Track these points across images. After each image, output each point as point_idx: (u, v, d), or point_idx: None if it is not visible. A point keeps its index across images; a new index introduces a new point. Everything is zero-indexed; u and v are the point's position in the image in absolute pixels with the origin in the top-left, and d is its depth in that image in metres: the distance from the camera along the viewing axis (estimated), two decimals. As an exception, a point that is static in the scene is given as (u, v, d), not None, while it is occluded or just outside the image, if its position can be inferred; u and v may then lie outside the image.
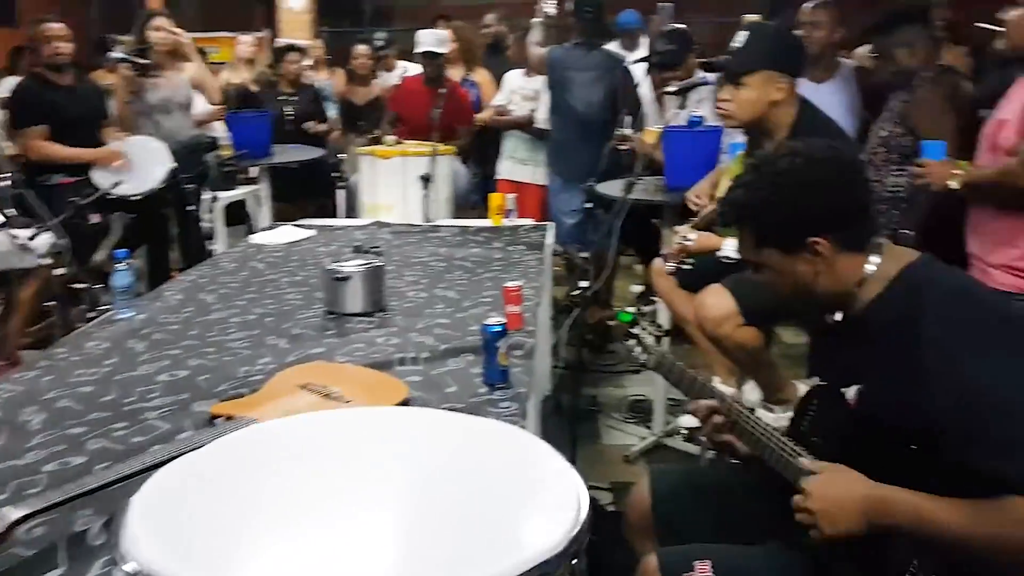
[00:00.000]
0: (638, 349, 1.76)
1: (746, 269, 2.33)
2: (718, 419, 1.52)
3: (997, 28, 2.87)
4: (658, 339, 1.72)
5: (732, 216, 1.38)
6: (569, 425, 2.64)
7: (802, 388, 2.43)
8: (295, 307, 2.46)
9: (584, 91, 4.14)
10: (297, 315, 2.39)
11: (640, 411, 3.52)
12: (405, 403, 1.73)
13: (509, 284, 2.27)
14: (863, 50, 4.06)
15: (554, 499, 1.03)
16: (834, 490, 1.23)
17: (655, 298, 3.56)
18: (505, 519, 1.02)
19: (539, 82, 4.58)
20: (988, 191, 2.19)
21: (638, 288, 3.75)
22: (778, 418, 2.32)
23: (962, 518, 1.11)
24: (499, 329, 1.87)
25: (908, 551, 1.24)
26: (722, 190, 2.48)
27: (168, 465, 1.19)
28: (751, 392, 2.49)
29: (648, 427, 3.35)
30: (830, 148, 1.37)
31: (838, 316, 1.37)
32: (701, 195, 2.71)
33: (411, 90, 4.81)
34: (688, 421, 2.60)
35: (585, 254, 2.35)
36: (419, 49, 4.58)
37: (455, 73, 5.13)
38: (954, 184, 2.16)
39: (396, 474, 1.14)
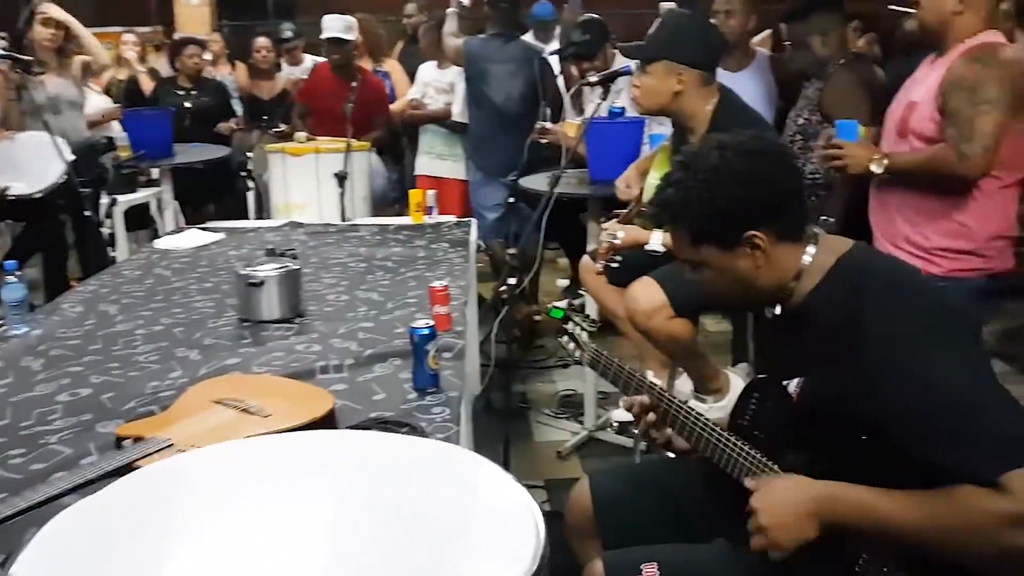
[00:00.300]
0: (571, 345, 1.71)
1: (673, 260, 2.35)
2: (651, 416, 1.48)
3: (908, 10, 2.93)
4: (591, 334, 1.67)
5: (666, 216, 1.34)
6: (502, 425, 2.58)
7: (733, 377, 2.46)
8: (206, 316, 2.33)
9: (503, 83, 4.06)
10: (208, 324, 2.25)
11: (570, 406, 3.49)
12: (331, 414, 1.64)
13: (435, 284, 2.19)
14: (763, 35, 4.13)
15: (506, 541, 0.95)
16: (781, 501, 1.21)
17: (582, 292, 3.54)
18: (448, 565, 0.93)
19: (454, 74, 4.48)
20: (912, 175, 2.18)
21: (564, 282, 3.74)
22: (710, 408, 2.32)
23: (911, 510, 1.10)
24: (427, 332, 1.79)
25: (859, 540, 1.22)
26: (652, 183, 2.46)
27: (65, 511, 1.07)
28: (684, 384, 2.48)
29: (579, 422, 3.32)
30: (757, 139, 1.34)
31: (777, 309, 1.34)
32: (630, 183, 2.68)
33: (321, 79, 4.62)
34: (620, 415, 2.57)
35: (512, 250, 2.29)
36: (325, 35, 4.42)
37: (364, 64, 4.99)
38: (876, 168, 2.14)
39: (322, 518, 1.05)
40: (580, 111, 3.95)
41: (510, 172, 3.46)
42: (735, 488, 1.41)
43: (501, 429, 2.60)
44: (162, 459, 1.31)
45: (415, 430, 1.61)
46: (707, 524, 1.48)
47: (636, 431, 1.54)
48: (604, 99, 2.43)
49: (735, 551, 1.36)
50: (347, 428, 1.61)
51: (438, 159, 4.62)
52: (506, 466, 2.47)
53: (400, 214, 4.66)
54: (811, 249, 1.31)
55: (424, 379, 1.81)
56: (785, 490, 1.21)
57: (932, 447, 1.09)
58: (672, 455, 1.59)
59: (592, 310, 3.09)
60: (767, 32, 4.25)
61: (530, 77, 3.95)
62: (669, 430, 1.49)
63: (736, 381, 2.41)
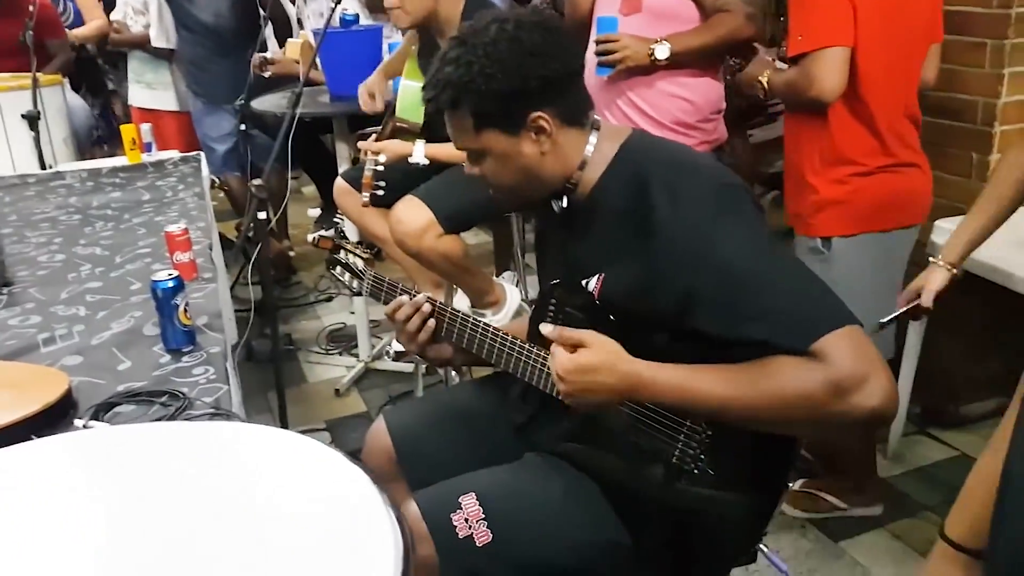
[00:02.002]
0: (346, 276, 1.55)
1: (436, 173, 2.24)
2: (426, 310, 1.39)
3: None
4: (368, 262, 1.52)
5: (446, 98, 1.20)
6: (273, 370, 2.37)
7: (508, 287, 2.43)
8: None
9: (208, 0, 3.63)
10: None
11: (341, 340, 3.33)
12: (67, 396, 1.37)
13: (171, 228, 1.91)
14: None
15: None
16: (593, 375, 1.11)
17: (337, 219, 3.34)
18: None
19: None
20: (699, 53, 2.09)
21: (315, 212, 3.50)
22: (490, 321, 2.27)
23: (728, 385, 1.08)
24: (173, 283, 1.55)
25: (664, 436, 1.22)
26: (407, 94, 2.29)
27: None
28: (460, 301, 2.41)
29: (353, 355, 3.18)
30: (536, 13, 1.24)
31: (564, 202, 1.27)
32: (373, 91, 2.50)
33: None
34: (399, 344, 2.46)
35: (257, 181, 2.04)
36: None
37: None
38: (661, 53, 2.04)
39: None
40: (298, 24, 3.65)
41: (235, 97, 3.13)
42: (538, 398, 1.37)
43: (270, 376, 2.40)
44: None
45: (177, 398, 1.39)
46: (512, 442, 1.43)
47: (400, 337, 1.42)
48: (339, 1, 2.20)
49: (547, 462, 1.32)
50: (92, 407, 1.36)
51: (148, 88, 4.10)
52: (283, 414, 2.29)
53: (112, 154, 4.12)
54: (593, 137, 1.25)
55: (177, 338, 1.57)
56: (598, 368, 1.11)
57: (740, 326, 1.08)
58: (439, 368, 1.50)
59: (352, 236, 2.92)
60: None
61: None
62: (428, 330, 1.40)
63: (511, 290, 2.38)
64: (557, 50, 1.19)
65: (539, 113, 1.19)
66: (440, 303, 1.41)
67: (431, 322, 1.39)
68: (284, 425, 2.29)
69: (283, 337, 3.33)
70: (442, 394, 1.68)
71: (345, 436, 2.66)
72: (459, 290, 2.40)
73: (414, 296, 1.42)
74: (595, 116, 1.28)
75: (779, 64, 1.99)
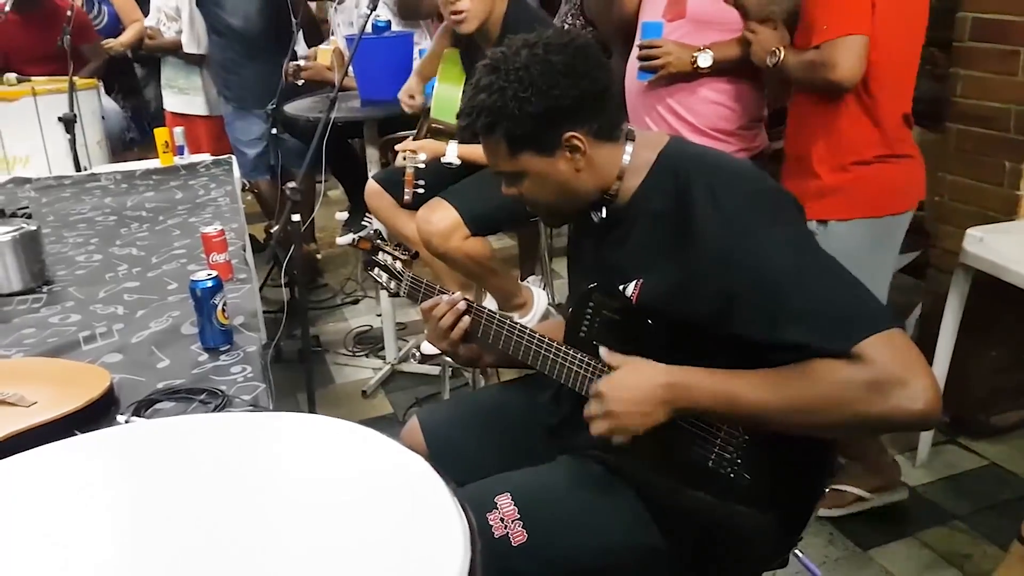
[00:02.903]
0: (384, 277, 1.57)
1: (467, 175, 2.26)
2: (460, 308, 1.42)
3: None
4: (406, 263, 1.54)
5: (482, 124, 1.22)
6: (298, 373, 2.40)
7: (536, 290, 2.44)
8: (-75, 296, 1.92)
9: (238, 4, 3.64)
10: (-70, 306, 1.86)
11: (367, 342, 3.35)
12: (109, 392, 1.40)
13: (207, 230, 1.94)
14: None
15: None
16: (632, 387, 1.16)
17: (366, 222, 3.36)
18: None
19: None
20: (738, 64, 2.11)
21: (343, 215, 3.52)
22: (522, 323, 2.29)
23: (768, 389, 1.09)
24: (212, 284, 1.58)
25: (685, 441, 1.23)
26: (442, 95, 2.31)
27: None
28: (489, 304, 2.42)
29: (380, 357, 3.20)
30: (564, 34, 1.26)
31: (603, 213, 1.29)
32: (413, 92, 2.53)
33: (7, 26, 3.92)
34: (427, 345, 2.47)
35: (292, 184, 2.07)
36: None
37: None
38: (704, 61, 2.06)
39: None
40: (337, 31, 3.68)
41: (265, 102, 3.17)
42: (571, 401, 1.38)
43: (298, 378, 2.42)
44: None
45: (216, 396, 1.42)
46: (545, 444, 1.44)
47: (432, 335, 1.45)
48: (374, 9, 2.23)
49: (581, 464, 1.33)
50: (133, 404, 1.39)
51: (180, 94, 4.15)
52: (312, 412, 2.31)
53: (142, 157, 4.18)
54: (629, 148, 1.26)
55: (215, 337, 1.60)
56: (635, 375, 1.16)
57: (780, 328, 1.08)
58: (470, 371, 1.52)
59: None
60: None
61: None
62: (460, 329, 1.42)
63: (539, 293, 2.39)
64: (587, 69, 1.21)
65: (572, 132, 1.21)
66: (476, 304, 1.43)
67: (465, 319, 1.41)
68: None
69: (310, 339, 3.36)
70: (474, 395, 1.70)
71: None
72: (487, 293, 2.41)
73: (451, 295, 1.44)
74: (629, 127, 1.29)
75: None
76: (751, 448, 1.19)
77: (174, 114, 4.14)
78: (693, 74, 2.11)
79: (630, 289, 1.25)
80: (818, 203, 1.97)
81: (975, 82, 2.16)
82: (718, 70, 2.11)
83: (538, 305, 2.36)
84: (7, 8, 3.61)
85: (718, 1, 2.09)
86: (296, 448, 1.03)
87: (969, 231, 2.12)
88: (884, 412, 1.03)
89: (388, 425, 2.75)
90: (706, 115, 2.15)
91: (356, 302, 3.76)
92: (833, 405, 1.05)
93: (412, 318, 3.53)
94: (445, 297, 1.43)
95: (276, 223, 3.77)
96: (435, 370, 2.99)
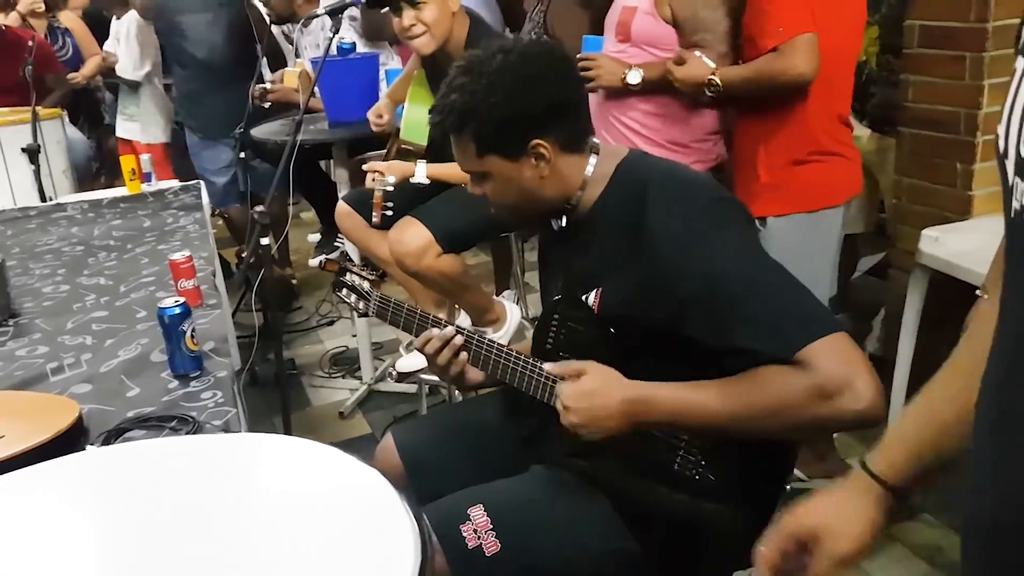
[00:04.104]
0: (352, 298, 1.58)
1: (436, 193, 2.27)
2: (452, 348, 1.41)
3: None
4: (373, 283, 1.55)
5: (451, 123, 1.25)
6: (273, 396, 2.40)
7: (508, 304, 2.46)
8: None
9: (202, 35, 3.63)
10: None
11: (344, 363, 3.35)
12: (78, 423, 1.39)
13: (175, 256, 1.94)
14: None
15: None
16: (592, 399, 1.18)
17: (338, 243, 3.37)
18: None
19: (126, 22, 3.99)
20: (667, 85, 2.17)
21: (315, 237, 3.53)
22: (495, 338, 2.30)
23: (722, 398, 1.12)
24: (180, 310, 1.58)
25: (651, 445, 1.25)
26: (411, 118, 2.33)
27: None
28: (463, 320, 2.44)
29: (356, 377, 3.20)
30: (542, 44, 1.29)
31: (563, 221, 1.32)
32: (383, 112, 2.55)
33: None
34: (404, 363, 2.48)
35: (260, 208, 2.08)
36: None
37: (38, 24, 4.30)
38: (633, 79, 2.14)
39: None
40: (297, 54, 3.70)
41: (231, 131, 3.18)
42: (543, 411, 1.39)
43: (275, 401, 2.42)
44: None
45: (187, 422, 1.42)
46: (518, 455, 1.46)
47: (433, 368, 1.45)
48: (336, 32, 2.25)
49: (554, 473, 1.35)
50: (103, 433, 1.38)
51: (130, 120, 4.13)
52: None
53: (109, 186, 4.15)
54: (593, 159, 1.29)
55: (185, 363, 1.60)
56: (596, 391, 1.18)
57: (729, 334, 1.12)
58: (460, 392, 1.53)
59: (355, 259, 2.96)
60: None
61: (232, 21, 3.58)
62: (463, 358, 1.42)
63: (512, 308, 2.41)
64: (559, 79, 1.24)
65: (539, 140, 1.23)
66: (465, 329, 1.43)
67: (463, 355, 1.41)
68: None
69: (286, 361, 3.35)
70: (448, 410, 1.71)
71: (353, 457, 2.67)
72: (460, 309, 2.42)
73: (420, 318, 1.45)
74: (594, 140, 1.32)
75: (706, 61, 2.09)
76: (714, 450, 1.22)
77: (125, 140, 4.12)
78: (625, 90, 2.17)
79: (591, 298, 1.27)
80: (758, 201, 2.07)
81: (925, 87, 2.21)
82: (654, 88, 2.17)
83: (511, 320, 2.38)
84: None
85: (660, 24, 2.15)
86: (253, 468, 1.05)
87: (925, 232, 2.17)
88: (830, 414, 1.07)
89: (366, 445, 2.74)
90: (658, 128, 2.20)
91: (332, 323, 3.76)
92: (781, 410, 1.09)
93: (388, 337, 3.53)
94: (436, 332, 1.42)
95: (247, 247, 3.78)
96: (412, 388, 2.99)
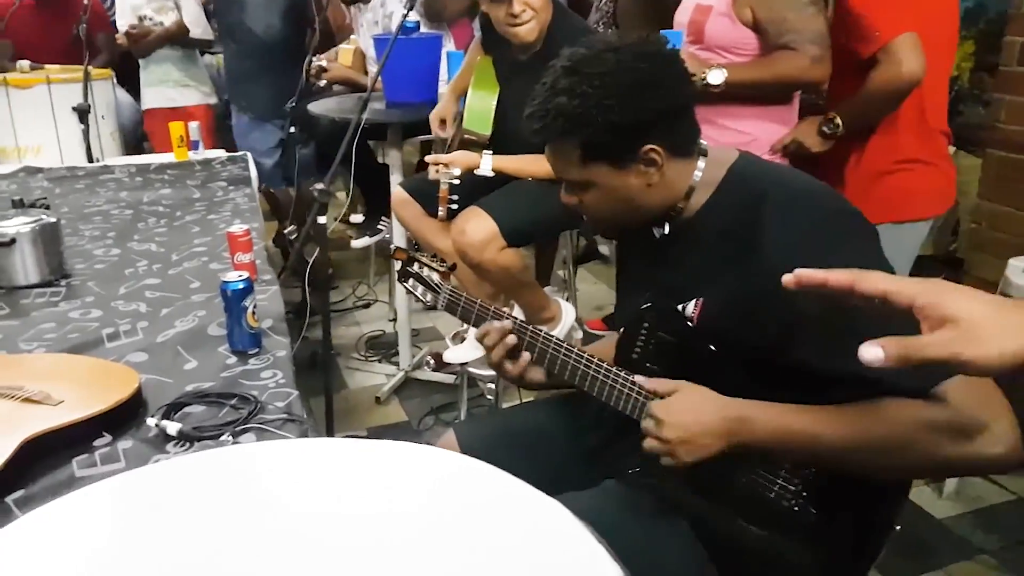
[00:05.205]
0: (419, 289, 1.52)
1: (499, 185, 2.21)
2: (510, 341, 1.34)
3: None
4: (444, 275, 1.49)
5: (556, 128, 1.16)
6: (314, 378, 2.34)
7: (564, 304, 2.39)
8: (-60, 286, 1.86)
9: (262, 11, 3.55)
10: (-54, 296, 1.81)
11: (380, 347, 3.30)
12: (137, 393, 1.35)
13: (233, 229, 1.89)
14: None
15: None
16: (690, 414, 1.11)
17: (382, 226, 3.32)
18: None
19: None
20: (754, 87, 2.08)
21: (359, 218, 3.48)
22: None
23: (836, 427, 1.04)
24: (243, 285, 1.53)
25: (745, 469, 1.17)
26: (475, 106, 2.27)
27: None
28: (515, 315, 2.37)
29: (393, 363, 3.14)
30: (650, 41, 1.19)
31: (666, 229, 1.24)
32: (445, 115, 2.47)
33: (18, 10, 3.83)
34: (453, 354, 2.42)
35: (319, 186, 2.01)
36: None
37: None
38: (715, 79, 2.04)
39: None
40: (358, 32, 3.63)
41: (281, 112, 3.13)
42: (615, 424, 1.33)
43: (310, 382, 2.36)
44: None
45: (248, 401, 1.37)
46: (585, 466, 1.39)
47: (492, 364, 1.39)
48: (410, 9, 2.18)
49: (630, 490, 1.28)
50: (163, 407, 1.33)
51: (176, 87, 4.01)
52: (329, 421, 2.26)
53: (142, 151, 4.09)
54: (701, 163, 1.21)
55: (244, 340, 1.55)
56: (693, 405, 1.11)
57: (851, 359, 1.03)
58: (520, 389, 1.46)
59: (400, 244, 2.90)
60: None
61: (294, 1, 3.52)
62: (526, 358, 1.35)
63: (567, 307, 2.34)
64: (672, 81, 1.15)
65: (652, 146, 1.15)
66: (521, 322, 1.37)
67: (525, 355, 1.34)
68: (330, 432, 2.26)
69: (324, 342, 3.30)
70: (513, 412, 1.63)
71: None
72: (514, 304, 2.36)
73: (493, 314, 1.39)
74: (703, 142, 1.24)
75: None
76: (819, 481, 1.14)
77: (166, 109, 3.96)
78: (703, 93, 2.06)
79: (690, 308, 1.19)
80: None
81: (1019, 108, 2.12)
82: (730, 95, 2.07)
83: (566, 319, 2.31)
84: None
85: (737, 27, 2.06)
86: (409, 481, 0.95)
87: (1012, 261, 2.09)
88: (962, 455, 0.98)
89: (403, 433, 2.70)
90: (725, 142, 2.12)
91: (368, 306, 3.71)
92: (908, 446, 1.00)
93: (425, 324, 3.48)
94: (496, 324, 1.35)
95: (291, 224, 3.73)
96: (449, 378, 2.94)
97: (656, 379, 1.18)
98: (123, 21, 3.92)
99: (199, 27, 3.89)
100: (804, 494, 1.15)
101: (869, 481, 1.12)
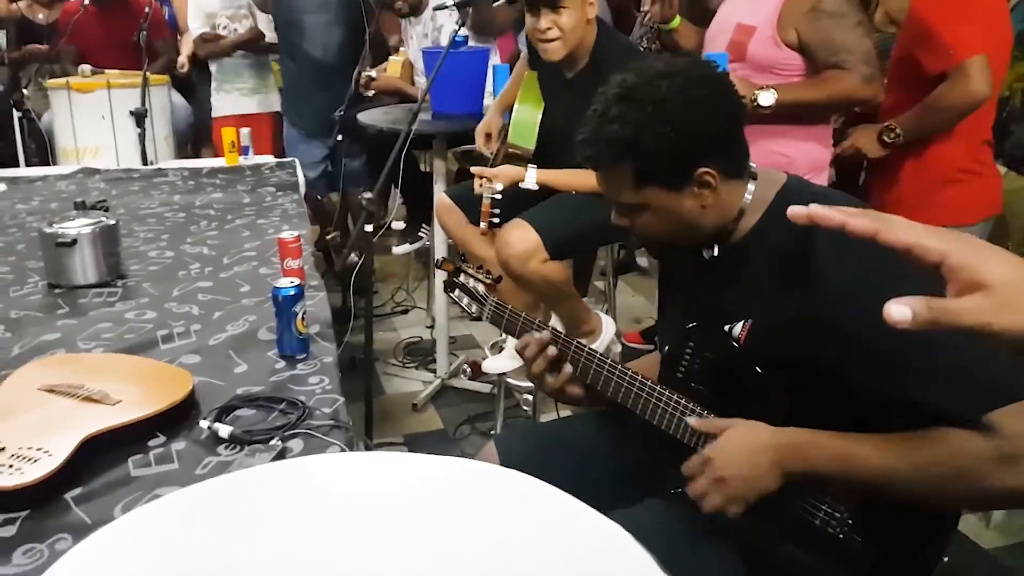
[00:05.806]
0: (465, 300, 1.54)
1: (543, 198, 2.23)
2: (551, 353, 1.35)
3: None
4: (489, 287, 1.51)
5: (610, 155, 1.17)
6: (355, 382, 2.38)
7: (605, 318, 2.41)
8: (5, 283, 1.95)
9: (320, 35, 3.60)
10: (11, 293, 1.89)
11: (417, 353, 3.33)
12: (191, 395, 1.39)
13: (284, 235, 1.94)
14: None
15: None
16: (740, 449, 1.11)
17: (422, 233, 3.36)
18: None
19: None
20: (807, 107, 2.12)
21: (400, 224, 3.52)
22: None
23: (887, 456, 1.04)
24: (294, 292, 1.57)
25: (792, 494, 1.18)
26: (520, 120, 2.29)
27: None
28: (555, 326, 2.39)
29: (430, 370, 3.18)
30: (700, 65, 1.21)
31: (715, 250, 1.25)
32: (491, 130, 2.50)
33: (83, 16, 3.93)
34: (492, 364, 2.45)
35: (368, 194, 2.06)
36: None
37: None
38: (765, 100, 2.06)
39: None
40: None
41: (329, 132, 3.22)
42: (658, 441, 1.33)
43: (347, 387, 2.40)
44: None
45: (296, 406, 1.41)
46: (627, 482, 1.40)
47: (532, 378, 1.40)
48: (462, 24, 2.22)
49: (673, 509, 1.29)
50: (214, 409, 1.38)
51: (249, 95, 4.10)
52: (368, 427, 2.29)
53: (195, 155, 4.18)
54: (751, 185, 1.22)
55: (293, 345, 1.59)
56: (744, 437, 1.12)
57: (906, 386, 1.03)
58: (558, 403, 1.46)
59: (440, 251, 2.94)
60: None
61: (350, 23, 3.56)
62: (567, 372, 1.36)
63: (608, 321, 2.36)
64: (724, 104, 1.17)
65: (706, 169, 1.16)
66: (563, 336, 1.38)
67: (568, 368, 1.35)
68: (369, 437, 2.29)
69: (361, 348, 3.35)
70: (552, 426, 1.65)
71: (423, 453, 2.65)
72: (553, 316, 2.38)
73: (537, 327, 1.40)
74: (752, 164, 1.25)
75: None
76: (866, 509, 1.14)
77: (237, 116, 4.03)
78: (752, 114, 2.07)
79: (737, 330, 1.20)
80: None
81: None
82: (779, 115, 2.10)
83: (607, 333, 2.32)
84: (86, 1, 3.67)
85: (781, 48, 2.07)
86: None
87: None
88: (1012, 487, 0.97)
89: (439, 441, 2.73)
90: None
91: (406, 312, 3.75)
92: (962, 477, 0.99)
93: (463, 332, 3.51)
94: (536, 335, 1.36)
95: (334, 231, 3.79)
96: (485, 388, 2.97)
97: (706, 420, 1.19)
98: (195, 24, 4.01)
99: (271, 32, 3.96)
100: (850, 522, 1.14)
101: (918, 511, 1.11)
